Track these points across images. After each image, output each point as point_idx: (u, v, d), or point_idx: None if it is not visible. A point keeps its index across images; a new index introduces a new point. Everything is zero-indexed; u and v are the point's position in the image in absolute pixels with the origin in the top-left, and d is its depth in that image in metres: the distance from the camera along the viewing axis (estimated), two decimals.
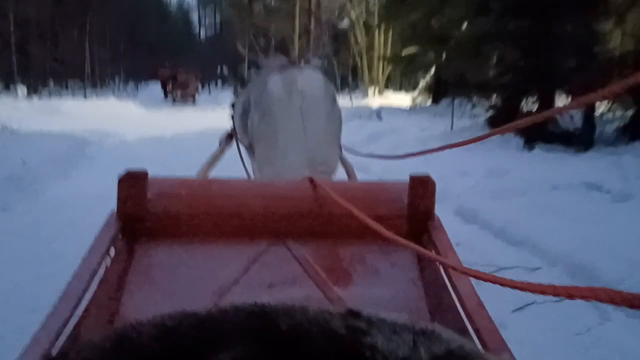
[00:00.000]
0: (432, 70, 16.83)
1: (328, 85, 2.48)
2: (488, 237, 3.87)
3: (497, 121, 8.45)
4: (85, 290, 0.97)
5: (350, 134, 9.60)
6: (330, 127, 2.43)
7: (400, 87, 25.72)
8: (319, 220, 1.32)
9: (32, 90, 19.66)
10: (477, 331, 0.90)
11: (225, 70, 44.12)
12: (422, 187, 1.32)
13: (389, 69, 22.49)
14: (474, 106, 9.56)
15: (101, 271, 1.08)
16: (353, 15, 23.04)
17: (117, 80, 33.07)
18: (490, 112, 9.01)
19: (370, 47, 22.84)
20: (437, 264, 1.17)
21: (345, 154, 2.66)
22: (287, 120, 2.32)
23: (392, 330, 0.53)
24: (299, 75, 2.34)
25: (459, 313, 1.00)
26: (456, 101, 10.57)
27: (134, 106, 18.02)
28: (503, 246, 3.70)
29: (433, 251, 1.22)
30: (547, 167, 5.50)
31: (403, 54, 16.59)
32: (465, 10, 9.55)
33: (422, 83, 21.32)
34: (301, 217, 1.32)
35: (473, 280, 1.00)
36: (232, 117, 2.98)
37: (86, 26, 21.23)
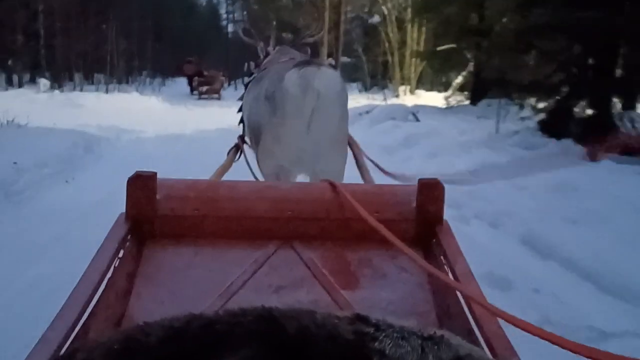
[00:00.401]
0: (468, 68, 15.91)
1: (343, 86, 2.41)
2: (574, 281, 3.00)
3: (551, 126, 7.53)
4: (94, 291, 0.98)
5: (384, 135, 8.87)
6: (341, 129, 2.42)
7: (431, 85, 24.69)
8: (326, 223, 1.32)
9: (56, 83, 19.31)
10: (485, 337, 0.89)
11: (252, 67, 43.44)
12: (430, 191, 1.31)
13: (421, 66, 21.53)
14: (521, 107, 8.61)
15: (110, 272, 1.08)
16: (385, 10, 22.13)
17: (144, 75, 32.77)
18: (542, 115, 8.07)
19: (402, 43, 21.91)
20: (446, 268, 1.16)
21: (365, 158, 2.60)
22: (298, 119, 2.28)
23: (401, 336, 0.53)
24: (317, 73, 2.26)
25: (467, 318, 0.98)
26: (499, 101, 9.66)
27: (157, 101, 17.45)
28: (597, 295, 2.83)
29: (442, 256, 1.21)
30: (625, 183, 4.59)
31: (438, 50, 15.70)
32: (513, 0, 8.59)
33: (455, 81, 20.34)
34: (309, 220, 1.32)
35: (482, 286, 1.03)
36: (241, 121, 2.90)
37: (110, 20, 20.70)
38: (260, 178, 2.58)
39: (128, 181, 1.28)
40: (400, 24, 21.87)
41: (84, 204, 4.71)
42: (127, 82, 29.04)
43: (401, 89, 21.48)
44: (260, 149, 2.54)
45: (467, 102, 14.01)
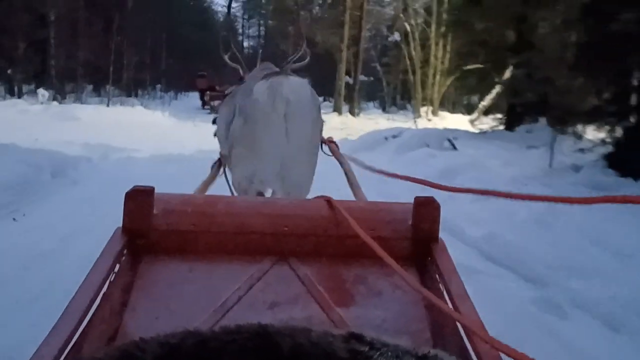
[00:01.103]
0: (496, 89, 14.58)
1: (313, 94, 2.42)
2: None
3: (624, 161, 6.13)
4: (89, 305, 0.98)
5: (417, 166, 6.71)
6: (314, 137, 2.43)
7: (453, 107, 23.32)
8: (323, 240, 1.32)
9: (58, 94, 18.27)
10: (479, 357, 0.90)
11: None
12: (426, 209, 1.31)
13: (444, 86, 20.24)
14: (577, 137, 7.23)
15: (105, 286, 1.08)
16: (407, 26, 20.94)
17: (157, 88, 31.84)
18: (608, 147, 6.69)
19: (424, 62, 20.68)
20: (440, 286, 1.17)
21: (352, 165, 2.57)
22: (268, 127, 2.31)
23: (395, 355, 0.53)
24: (285, 82, 2.31)
25: (461, 337, 0.99)
26: (546, 127, 8.30)
27: (162, 116, 16.27)
28: None
29: (436, 274, 1.22)
30: None
31: (466, 68, 14.39)
32: (572, 10, 7.25)
33: (482, 104, 19.03)
34: (305, 236, 1.32)
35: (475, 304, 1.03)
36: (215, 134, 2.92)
37: (113, 29, 19.54)
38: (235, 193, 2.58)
39: (126, 195, 1.28)
40: (423, 41, 20.65)
41: (28, 256, 3.43)
42: (137, 95, 28.11)
43: (423, 109, 20.20)
44: (232, 161, 2.52)
45: (501, 127, 12.61)
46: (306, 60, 3.07)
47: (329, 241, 1.32)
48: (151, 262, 1.27)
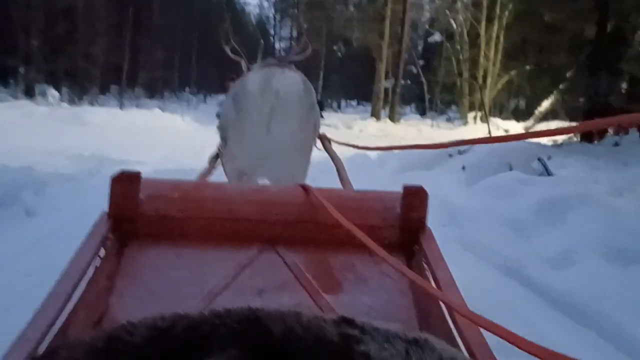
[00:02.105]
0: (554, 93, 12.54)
1: (307, 89, 2.44)
2: None
3: None
4: (73, 289, 0.97)
5: (501, 199, 4.64)
6: (301, 134, 2.42)
7: (499, 112, 21.13)
8: (310, 227, 1.33)
9: (74, 95, 16.97)
10: (465, 343, 0.90)
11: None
12: (414, 197, 1.34)
13: (495, 89, 18.19)
14: None
15: (90, 271, 1.08)
16: (453, 23, 18.94)
17: (186, 90, 30.55)
18: None
19: (472, 62, 18.64)
20: (427, 274, 1.18)
21: (336, 149, 2.72)
22: (255, 118, 2.33)
23: (385, 339, 0.54)
24: (277, 74, 2.34)
25: (448, 324, 1.00)
26: None
27: (182, 121, 14.65)
28: None
29: (423, 261, 1.24)
30: None
31: (528, 67, 12.40)
32: None
33: (539, 110, 16.94)
34: (293, 223, 1.34)
35: (462, 289, 1.05)
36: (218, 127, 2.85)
37: (128, 25, 18.00)
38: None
39: (112, 179, 1.28)
40: (471, 40, 18.62)
41: None
42: (162, 97, 26.78)
43: (470, 115, 18.19)
44: (226, 150, 2.54)
45: (575, 138, 10.56)
46: (307, 52, 3.08)
47: (317, 229, 1.33)
48: (138, 248, 1.26)
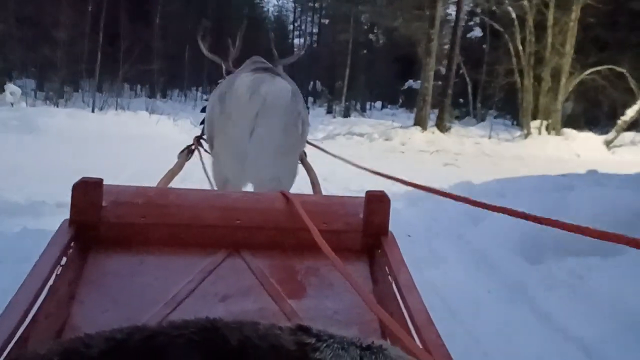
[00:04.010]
0: None
1: (295, 99, 2.43)
2: None
3: None
4: (34, 298, 0.96)
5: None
6: (287, 140, 2.42)
7: (566, 121, 17.38)
8: (275, 233, 1.34)
9: (49, 91, 13.77)
10: (424, 345, 0.94)
11: (319, 86, 37.74)
12: (377, 203, 1.36)
13: (566, 92, 14.65)
14: None
15: (52, 280, 1.06)
16: (512, 12, 15.36)
17: (195, 90, 27.41)
18: None
19: (537, 61, 15.07)
20: (389, 278, 1.22)
21: (310, 162, 2.75)
22: (240, 122, 2.33)
23: (341, 346, 0.55)
24: (267, 81, 2.33)
25: (408, 327, 1.02)
26: None
27: (174, 127, 11.20)
28: None
29: (386, 266, 1.26)
30: None
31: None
32: None
33: (622, 119, 13.45)
34: (258, 229, 1.35)
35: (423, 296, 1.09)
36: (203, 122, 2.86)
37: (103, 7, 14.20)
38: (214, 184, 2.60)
39: (73, 187, 1.26)
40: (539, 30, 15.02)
41: None
42: (164, 97, 23.57)
43: (534, 124, 14.64)
44: (213, 152, 2.54)
45: None
46: (295, 57, 3.15)
47: (282, 234, 1.34)
48: (100, 255, 1.25)
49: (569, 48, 13.95)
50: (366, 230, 1.35)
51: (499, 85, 17.26)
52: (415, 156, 10.72)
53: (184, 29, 24.30)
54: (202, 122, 2.89)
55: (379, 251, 1.33)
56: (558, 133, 13.99)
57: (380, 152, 10.90)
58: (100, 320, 1.04)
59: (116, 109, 12.15)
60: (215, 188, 2.53)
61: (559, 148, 12.85)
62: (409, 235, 4.60)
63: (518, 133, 14.99)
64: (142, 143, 9.14)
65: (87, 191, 1.25)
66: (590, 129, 15.64)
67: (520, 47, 15.24)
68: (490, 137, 13.70)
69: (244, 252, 1.29)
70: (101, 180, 1.28)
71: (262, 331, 0.57)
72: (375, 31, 23.95)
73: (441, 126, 13.38)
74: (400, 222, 4.90)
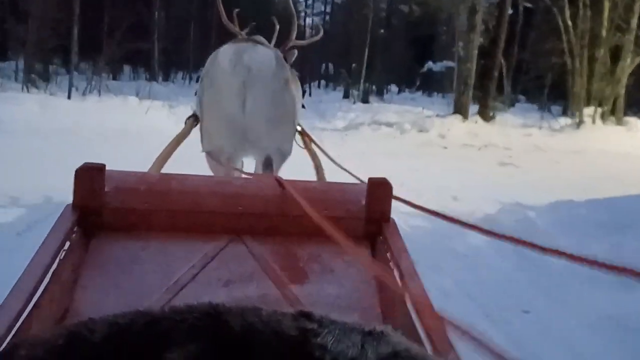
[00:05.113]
0: None
1: (280, 66, 2.42)
2: None
3: None
4: (37, 283, 0.97)
5: None
6: (277, 109, 2.41)
7: (628, 109, 15.20)
8: (278, 219, 1.35)
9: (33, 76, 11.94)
10: (426, 332, 0.93)
11: (331, 69, 35.63)
12: (379, 189, 1.36)
13: (624, 76, 12.60)
14: None
15: (55, 264, 1.06)
16: None
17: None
18: None
19: (592, 40, 12.97)
20: (390, 265, 1.22)
21: (316, 130, 3.57)
22: (227, 93, 2.32)
23: (342, 332, 0.56)
24: (249, 50, 2.33)
25: (409, 314, 1.02)
26: None
27: (169, 116, 9.23)
28: None
29: (387, 253, 1.27)
30: None
31: None
32: None
33: None
34: (260, 215, 1.35)
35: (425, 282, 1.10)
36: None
37: None
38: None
39: (76, 172, 1.27)
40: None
41: None
42: (166, 79, 21.68)
43: (587, 112, 12.63)
44: (203, 126, 2.53)
45: None
46: (313, 38, 3.25)
47: (283, 220, 1.34)
48: (103, 241, 1.26)
49: (634, 24, 11.84)
50: (368, 217, 1.36)
51: (544, 66, 15.17)
52: (460, 153, 8.75)
53: (189, 5, 22.50)
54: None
55: (381, 238, 1.34)
56: (619, 122, 11.98)
57: (415, 147, 8.94)
58: (103, 305, 1.05)
59: (99, 94, 10.20)
60: (212, 168, 2.60)
61: (621, 140, 10.87)
62: (527, 312, 2.80)
63: (566, 121, 12.97)
64: (125, 139, 7.31)
65: (89, 176, 1.26)
66: None
67: (570, 24, 13.16)
68: (540, 128, 11.70)
69: (246, 238, 1.31)
70: (103, 165, 1.29)
71: (265, 317, 0.57)
72: (397, 6, 21.84)
73: (485, 114, 11.37)
74: (512, 290, 3.06)
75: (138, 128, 8.22)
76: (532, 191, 5.86)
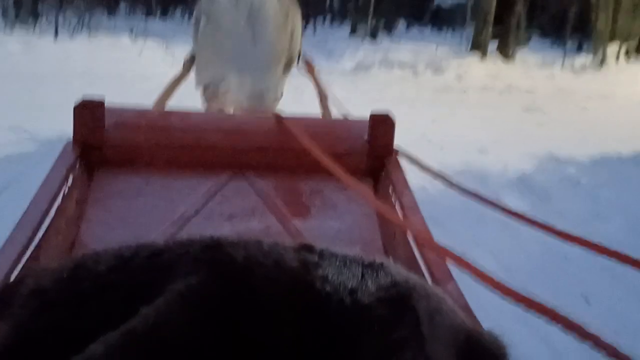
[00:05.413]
0: None
1: (286, 2, 2.45)
2: None
3: None
4: (43, 217, 0.97)
5: None
6: (280, 43, 2.44)
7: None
8: (279, 155, 1.35)
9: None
10: (426, 263, 0.95)
11: (337, 2, 34.04)
12: (382, 124, 1.36)
13: None
14: None
15: (59, 199, 1.06)
16: None
17: None
18: None
19: None
20: (393, 199, 1.22)
21: (322, 72, 2.82)
22: (229, 29, 2.35)
23: (343, 264, 0.57)
24: None
25: (410, 246, 1.02)
26: None
27: (165, 57, 8.42)
28: None
29: (390, 188, 1.26)
30: None
31: None
32: None
33: None
34: (262, 150, 1.36)
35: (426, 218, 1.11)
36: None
37: None
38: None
39: (75, 107, 1.26)
40: None
41: None
42: (164, 15, 20.57)
43: (611, 50, 11.78)
44: (198, 62, 2.54)
45: None
46: None
47: (285, 156, 1.33)
48: (106, 176, 1.26)
49: None
50: (371, 152, 1.38)
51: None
52: (481, 97, 8.06)
53: None
54: None
55: (383, 173, 1.35)
56: None
57: (432, 93, 8.22)
58: (108, 238, 1.06)
59: (89, 34, 9.41)
60: (201, 98, 2.56)
61: None
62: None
63: (587, 59, 12.11)
64: (114, 84, 6.67)
65: (89, 112, 1.26)
66: None
67: None
68: (562, 67, 10.92)
69: (249, 173, 1.32)
70: (102, 101, 1.29)
71: (266, 249, 0.57)
72: None
73: (505, 52, 10.53)
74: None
75: (130, 72, 7.55)
76: (565, 142, 5.29)
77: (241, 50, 2.35)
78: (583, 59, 12.09)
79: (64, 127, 1.96)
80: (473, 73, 9.35)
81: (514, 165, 4.24)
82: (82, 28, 9.78)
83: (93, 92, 4.42)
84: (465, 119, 6.29)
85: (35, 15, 11.63)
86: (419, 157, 4.74)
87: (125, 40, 9.07)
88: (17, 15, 10.92)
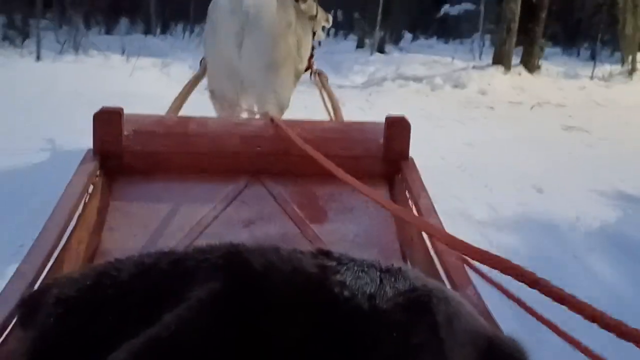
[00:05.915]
0: None
1: (284, 8, 2.37)
2: None
3: None
4: (65, 225, 1.00)
5: None
6: (277, 53, 2.38)
7: None
8: (296, 160, 1.33)
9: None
10: (444, 267, 0.93)
11: (340, 16, 33.41)
12: (397, 128, 1.36)
13: None
14: None
15: (80, 208, 1.09)
16: None
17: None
18: None
19: None
20: (410, 202, 1.23)
21: (333, 87, 2.74)
22: (225, 37, 2.34)
23: (361, 269, 0.58)
24: None
25: (428, 250, 1.02)
26: None
27: (160, 77, 7.72)
28: None
29: (406, 191, 1.27)
30: None
31: None
32: None
33: None
34: (279, 156, 1.36)
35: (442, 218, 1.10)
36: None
37: None
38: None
39: (94, 117, 1.30)
40: None
41: None
42: (164, 32, 19.99)
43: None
44: (208, 71, 2.59)
45: None
46: None
47: (302, 161, 1.30)
48: (125, 183, 1.29)
49: None
50: (386, 155, 1.38)
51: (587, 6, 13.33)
52: (510, 113, 7.21)
53: None
54: None
55: (399, 176, 1.35)
56: None
57: (455, 108, 7.38)
58: (129, 246, 1.09)
59: (76, 53, 8.62)
60: (215, 107, 2.54)
61: None
62: None
63: (613, 68, 11.29)
64: (101, 105, 5.90)
65: (108, 121, 1.29)
66: None
67: None
68: (592, 80, 10.07)
69: (265, 179, 1.34)
70: (121, 109, 1.33)
71: (285, 255, 0.59)
72: None
73: (530, 64, 9.72)
74: None
75: (120, 93, 6.76)
76: (626, 170, 4.45)
77: (234, 59, 2.33)
78: (608, 67, 11.29)
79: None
80: (497, 86, 8.50)
81: (582, 209, 3.39)
82: (75, 46, 9.01)
83: (79, 113, 3.54)
84: (501, 140, 5.46)
85: (25, 35, 10.97)
86: (463, 199, 3.78)
87: (115, 59, 8.30)
88: (4, 37, 10.26)
